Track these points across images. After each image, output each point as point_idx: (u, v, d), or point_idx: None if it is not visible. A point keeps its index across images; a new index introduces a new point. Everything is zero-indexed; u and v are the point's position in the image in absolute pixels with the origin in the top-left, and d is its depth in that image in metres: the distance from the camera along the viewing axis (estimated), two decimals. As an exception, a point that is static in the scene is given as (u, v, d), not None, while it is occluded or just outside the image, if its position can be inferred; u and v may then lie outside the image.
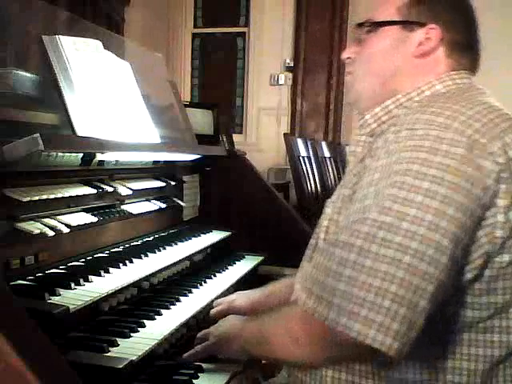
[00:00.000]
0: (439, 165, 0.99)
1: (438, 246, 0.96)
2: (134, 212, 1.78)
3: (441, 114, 1.05)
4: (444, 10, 1.24)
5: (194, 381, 1.30)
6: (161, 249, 1.75)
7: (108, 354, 1.18)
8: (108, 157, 1.63)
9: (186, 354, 1.39)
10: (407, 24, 1.24)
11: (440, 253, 0.97)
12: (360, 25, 1.30)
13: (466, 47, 1.25)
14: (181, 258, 1.79)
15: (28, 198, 1.29)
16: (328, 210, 1.26)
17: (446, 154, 1.00)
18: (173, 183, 2.07)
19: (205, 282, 1.78)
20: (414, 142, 1.03)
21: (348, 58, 1.34)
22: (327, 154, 5.05)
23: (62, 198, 1.42)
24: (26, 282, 1.29)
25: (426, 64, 1.23)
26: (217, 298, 1.69)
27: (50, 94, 1.52)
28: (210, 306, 1.65)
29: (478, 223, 1.02)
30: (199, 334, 1.44)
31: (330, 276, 1.01)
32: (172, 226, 2.13)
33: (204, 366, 1.36)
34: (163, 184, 2.01)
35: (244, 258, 2.19)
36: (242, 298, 1.67)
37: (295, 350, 1.13)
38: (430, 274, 0.96)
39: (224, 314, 1.58)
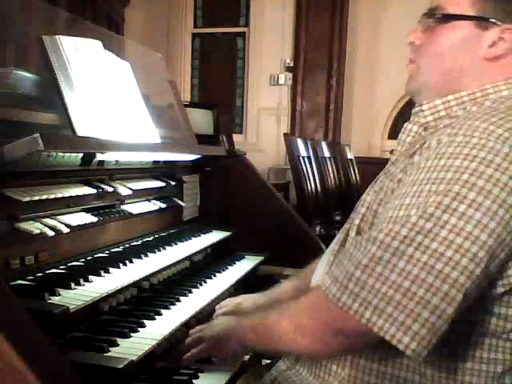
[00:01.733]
0: (489, 177, 0.99)
1: (473, 257, 0.98)
2: (134, 212, 1.78)
3: (501, 126, 1.03)
4: None
5: (193, 381, 1.30)
6: (161, 249, 1.75)
7: (108, 354, 1.18)
8: (108, 157, 1.63)
9: (184, 357, 1.38)
10: (482, 20, 1.16)
11: (474, 264, 0.98)
12: (430, 13, 1.23)
13: None
14: (181, 257, 1.79)
15: (28, 198, 1.29)
16: (368, 197, 1.24)
17: (498, 168, 0.99)
18: (173, 183, 2.07)
19: (205, 282, 1.78)
20: (468, 150, 1.01)
21: (411, 42, 1.27)
22: (327, 154, 5.05)
23: (62, 197, 1.42)
24: (25, 282, 1.29)
25: (495, 68, 1.18)
26: (217, 297, 1.69)
27: (50, 93, 1.52)
28: (210, 305, 1.65)
29: None
30: (189, 340, 1.41)
31: (359, 269, 1.03)
32: (172, 226, 2.12)
33: (204, 366, 1.36)
34: (163, 184, 2.01)
35: (244, 258, 2.19)
36: (248, 301, 1.68)
37: (300, 339, 1.14)
38: (461, 283, 0.97)
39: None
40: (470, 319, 1.08)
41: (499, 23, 1.16)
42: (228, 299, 1.71)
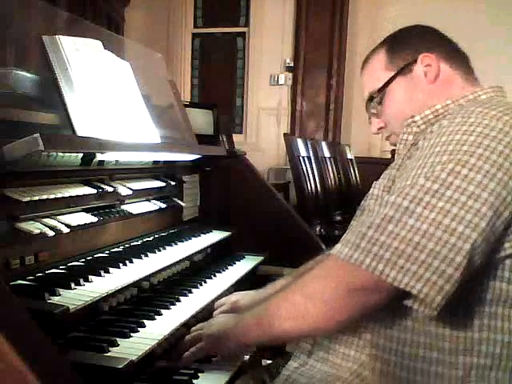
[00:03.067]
0: (487, 146, 1.11)
1: (477, 212, 1.07)
2: (134, 212, 1.78)
3: (495, 109, 1.17)
4: (419, 40, 1.40)
5: (193, 381, 1.30)
6: (161, 249, 1.75)
7: (108, 354, 1.18)
8: (108, 157, 1.63)
9: (183, 356, 1.38)
10: (403, 70, 1.38)
11: (478, 218, 1.07)
12: (369, 101, 1.43)
13: (457, 53, 1.40)
14: (181, 257, 1.79)
15: (28, 198, 1.29)
16: (375, 190, 1.34)
17: (494, 139, 1.11)
18: (173, 183, 2.07)
19: (205, 282, 1.78)
20: (467, 127, 1.14)
21: (379, 128, 1.47)
22: (327, 154, 5.05)
23: (62, 197, 1.42)
24: (26, 282, 1.29)
25: (444, 81, 1.36)
26: (217, 297, 1.69)
27: (50, 93, 1.52)
28: (210, 305, 1.65)
29: None
30: (188, 338, 1.42)
31: (372, 228, 1.11)
32: (172, 226, 2.13)
33: (204, 366, 1.36)
34: (163, 184, 2.01)
35: (244, 258, 2.19)
36: (245, 298, 1.68)
37: (314, 308, 1.15)
38: (467, 234, 1.06)
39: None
40: (483, 287, 1.15)
41: (414, 61, 1.37)
42: (225, 297, 1.71)
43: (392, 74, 1.39)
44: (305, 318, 1.17)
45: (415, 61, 1.37)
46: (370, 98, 1.43)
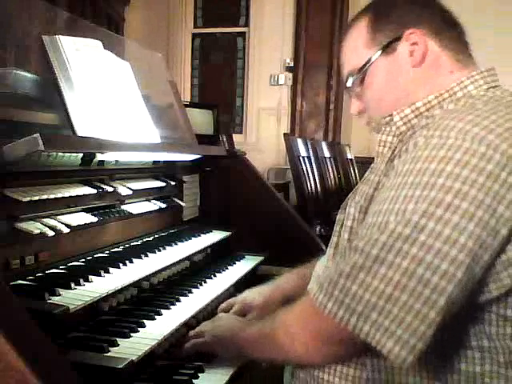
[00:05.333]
0: (465, 179, 0.97)
1: (453, 261, 0.96)
2: (134, 212, 1.78)
3: (478, 124, 1.01)
4: (406, 11, 1.23)
5: (194, 381, 1.30)
6: (161, 249, 1.75)
7: (108, 354, 1.18)
8: (108, 157, 1.63)
9: (184, 347, 1.40)
10: (385, 48, 1.22)
11: (454, 267, 0.96)
12: (348, 85, 1.29)
13: (450, 27, 1.23)
14: (181, 257, 1.79)
15: (28, 198, 1.29)
16: (352, 209, 1.22)
17: (474, 169, 0.97)
18: (173, 183, 2.07)
19: (205, 282, 1.78)
20: (444, 152, 0.99)
21: (359, 112, 1.33)
22: (327, 154, 5.05)
23: (62, 197, 1.42)
24: (26, 282, 1.29)
25: (430, 64, 1.21)
26: (217, 297, 1.69)
27: (50, 93, 1.52)
28: (210, 305, 1.65)
29: (504, 243, 1.00)
30: (192, 332, 1.44)
31: (343, 277, 1.03)
32: (172, 226, 2.13)
33: (204, 366, 1.36)
34: (163, 184, 2.01)
35: (244, 258, 2.19)
36: (253, 294, 1.70)
37: (293, 349, 1.15)
38: (442, 287, 0.96)
39: (240, 314, 1.62)
40: (462, 327, 1.07)
41: (399, 37, 1.21)
42: (233, 298, 1.72)
43: (373, 52, 1.23)
44: (290, 355, 1.19)
45: (400, 38, 1.21)
46: (350, 78, 1.28)
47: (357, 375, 1.16)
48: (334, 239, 1.30)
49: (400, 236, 0.99)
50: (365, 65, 1.24)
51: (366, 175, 1.26)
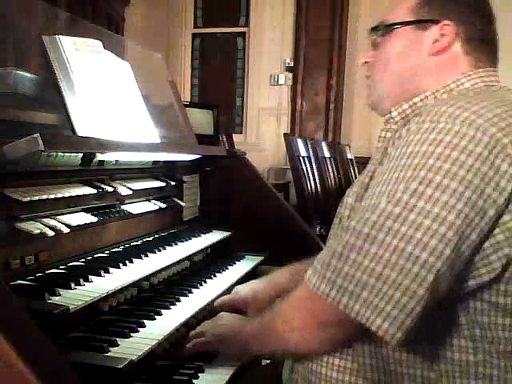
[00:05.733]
0: (455, 160, 1.00)
1: (442, 238, 0.99)
2: (134, 212, 1.78)
3: (467, 109, 1.04)
4: (458, 5, 1.24)
5: (193, 381, 1.30)
6: (161, 249, 1.75)
7: (108, 354, 1.18)
8: (108, 157, 1.63)
9: (186, 347, 1.40)
10: (420, 23, 1.25)
11: (443, 244, 0.99)
12: (374, 29, 1.32)
13: (482, 42, 1.25)
14: (181, 257, 1.79)
15: (28, 198, 1.29)
16: (349, 199, 1.25)
17: (464, 151, 1.00)
18: (173, 183, 2.07)
19: (205, 282, 1.78)
20: (435, 135, 1.03)
21: (365, 62, 1.35)
22: (327, 154, 5.05)
23: (62, 197, 1.42)
24: (26, 282, 1.29)
25: (444, 61, 1.23)
26: (217, 297, 1.69)
27: (50, 94, 1.52)
28: (210, 305, 1.65)
29: (492, 225, 1.02)
30: (193, 332, 1.44)
31: (335, 257, 1.06)
32: (172, 226, 2.13)
33: (204, 366, 1.36)
34: (163, 184, 2.01)
35: (244, 258, 2.19)
36: (245, 288, 1.72)
37: (291, 337, 1.16)
38: (431, 263, 0.98)
39: (228, 305, 1.64)
40: (450, 311, 1.09)
41: (436, 22, 1.23)
42: (225, 296, 1.72)
43: (409, 19, 1.26)
44: (289, 344, 1.19)
45: (437, 22, 1.23)
46: (376, 27, 1.32)
47: (354, 367, 1.17)
48: (331, 232, 1.33)
49: (390, 215, 1.01)
50: (395, 24, 1.27)
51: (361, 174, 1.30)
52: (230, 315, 1.50)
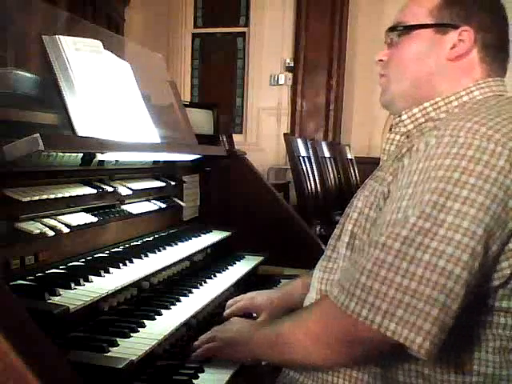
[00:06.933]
0: (479, 174, 1.02)
1: (473, 252, 1.00)
2: (134, 212, 1.78)
3: (484, 124, 1.06)
4: (477, 11, 1.24)
5: (193, 381, 1.30)
6: (161, 249, 1.75)
7: (108, 354, 1.18)
8: (108, 157, 1.63)
9: (193, 355, 1.39)
10: (440, 27, 1.25)
11: (473, 258, 1.00)
12: (392, 28, 1.31)
13: (498, 49, 1.26)
14: (181, 257, 1.79)
15: (28, 198, 1.29)
16: (359, 203, 1.26)
17: (487, 165, 1.02)
18: (173, 183, 2.07)
19: (205, 282, 1.78)
20: (457, 149, 1.04)
21: (380, 60, 1.35)
22: (327, 154, 5.05)
23: (62, 197, 1.42)
24: (26, 282, 1.29)
25: (460, 67, 1.24)
26: (217, 297, 1.70)
27: (50, 93, 1.52)
28: (210, 305, 1.65)
29: (509, 235, 1.04)
30: (203, 337, 1.41)
31: (364, 275, 1.04)
32: (172, 226, 2.13)
33: (204, 366, 1.36)
34: (163, 184, 2.01)
35: (244, 258, 2.19)
36: (261, 296, 1.70)
37: (315, 350, 1.14)
38: (464, 278, 0.99)
39: (244, 311, 1.64)
40: (468, 316, 1.09)
41: (456, 27, 1.23)
42: (242, 295, 1.72)
43: (430, 21, 1.25)
44: (311, 358, 1.17)
45: (457, 27, 1.23)
46: (395, 28, 1.31)
47: (364, 379, 1.17)
48: (336, 232, 1.33)
49: (420, 230, 1.02)
50: (415, 26, 1.27)
51: (374, 172, 1.31)
52: (240, 320, 1.49)
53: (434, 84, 1.26)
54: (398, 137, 1.28)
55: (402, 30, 1.29)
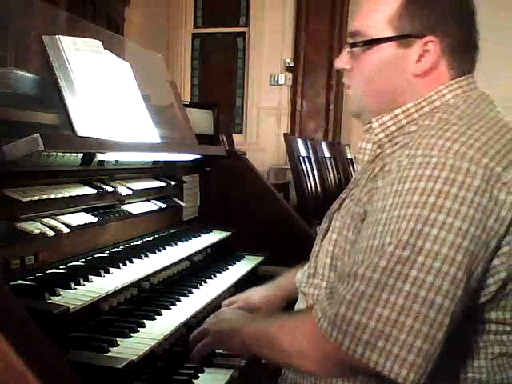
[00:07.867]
0: (455, 197, 0.99)
1: (453, 280, 0.97)
2: (134, 212, 1.78)
3: (456, 140, 1.03)
4: (441, 16, 1.15)
5: (193, 381, 1.30)
6: (161, 249, 1.75)
7: (108, 354, 1.18)
8: (108, 157, 1.63)
9: (191, 354, 1.38)
10: (402, 38, 1.17)
11: (455, 286, 0.97)
12: (352, 44, 1.24)
13: (466, 48, 1.19)
14: (181, 257, 1.79)
15: (28, 198, 1.29)
16: (337, 223, 1.24)
17: (462, 185, 0.99)
18: (173, 183, 2.07)
19: (205, 282, 1.78)
20: (430, 171, 1.01)
21: (342, 68, 1.29)
22: (327, 153, 5.05)
23: (62, 197, 1.42)
24: (26, 282, 1.29)
25: (428, 81, 1.18)
26: (217, 297, 1.70)
27: (50, 93, 1.52)
28: (210, 305, 1.65)
29: (493, 254, 1.02)
30: (195, 332, 1.42)
31: (344, 305, 1.02)
32: (172, 226, 2.13)
33: (204, 366, 1.36)
34: (163, 184, 2.01)
35: (244, 258, 2.19)
36: (256, 293, 1.70)
37: (300, 362, 1.13)
38: (446, 307, 0.97)
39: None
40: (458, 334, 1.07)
41: (420, 36, 1.15)
42: (236, 295, 1.72)
43: (389, 34, 1.17)
44: (296, 365, 1.16)
45: (421, 36, 1.15)
46: (354, 41, 1.22)
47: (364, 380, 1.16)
48: (315, 248, 1.32)
49: (399, 259, 0.99)
50: (375, 40, 1.19)
51: (349, 185, 1.29)
52: (231, 310, 1.50)
53: (400, 99, 1.20)
54: (369, 145, 1.24)
55: (363, 42, 1.20)
